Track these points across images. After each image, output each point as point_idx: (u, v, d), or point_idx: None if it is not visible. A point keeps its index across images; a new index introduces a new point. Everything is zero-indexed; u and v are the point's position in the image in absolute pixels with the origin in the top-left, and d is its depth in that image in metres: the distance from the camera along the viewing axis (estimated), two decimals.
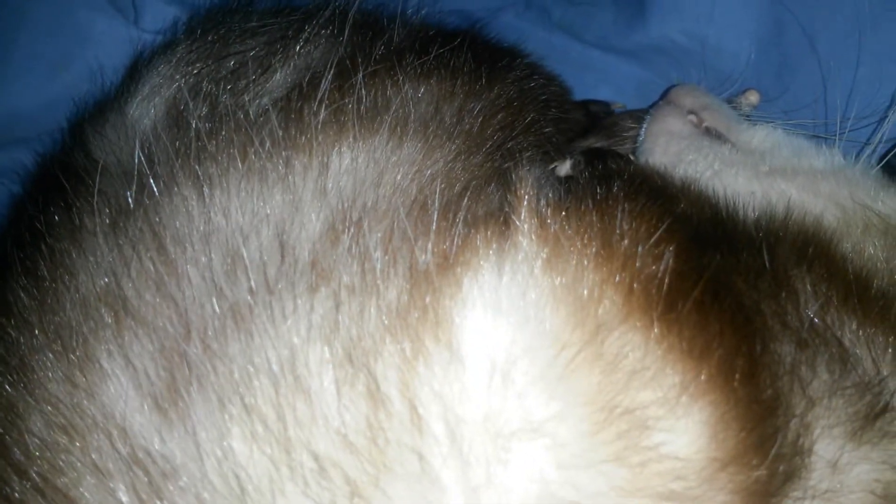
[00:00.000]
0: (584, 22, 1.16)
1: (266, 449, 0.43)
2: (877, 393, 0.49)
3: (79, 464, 0.45)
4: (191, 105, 0.64)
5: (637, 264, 0.48)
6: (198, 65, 0.78)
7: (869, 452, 0.47)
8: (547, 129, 0.87)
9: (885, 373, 0.52)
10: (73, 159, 0.73)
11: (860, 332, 0.53)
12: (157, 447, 0.44)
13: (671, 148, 0.85)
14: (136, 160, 0.59)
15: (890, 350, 0.53)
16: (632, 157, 0.92)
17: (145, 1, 1.03)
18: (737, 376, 0.44)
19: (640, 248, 0.49)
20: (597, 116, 1.08)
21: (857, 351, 0.52)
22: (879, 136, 0.80)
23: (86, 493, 0.44)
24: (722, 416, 0.43)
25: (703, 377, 0.44)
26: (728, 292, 0.50)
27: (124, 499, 0.43)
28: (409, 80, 0.72)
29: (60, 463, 0.46)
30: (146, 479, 0.43)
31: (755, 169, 0.77)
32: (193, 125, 0.61)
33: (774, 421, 0.44)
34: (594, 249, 0.48)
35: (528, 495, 0.43)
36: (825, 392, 0.47)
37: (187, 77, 0.76)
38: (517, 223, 0.51)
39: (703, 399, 0.43)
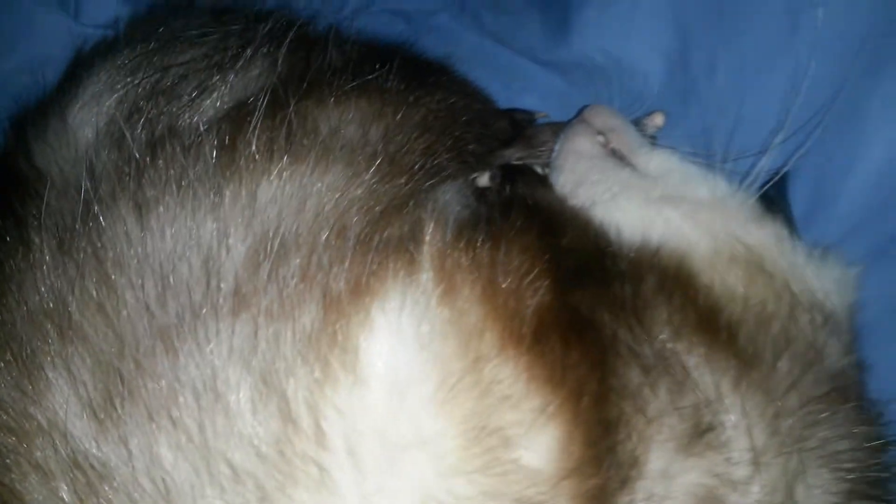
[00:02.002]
0: (513, 31, 1.22)
1: (189, 457, 0.51)
2: (709, 412, 0.59)
3: (25, 463, 0.52)
4: (129, 132, 0.68)
5: (514, 301, 0.56)
6: (139, 74, 0.82)
7: (696, 463, 0.57)
8: (470, 146, 0.94)
9: (723, 393, 0.62)
10: (16, 164, 0.77)
11: (706, 357, 0.63)
12: (94, 451, 0.52)
13: (578, 167, 0.93)
14: (83, 185, 0.64)
15: (731, 373, 0.63)
16: (545, 172, 1.01)
17: None
18: (585, 401, 0.53)
19: (519, 285, 0.58)
20: (520, 125, 1.15)
21: (701, 375, 0.61)
22: (759, 167, 0.89)
23: (32, 491, 0.51)
24: (570, 434, 0.53)
25: (557, 401, 0.53)
26: (591, 325, 0.59)
27: (66, 497, 0.51)
28: (339, 104, 0.77)
29: (8, 461, 0.53)
30: (84, 480, 0.51)
31: (647, 194, 0.85)
32: (133, 151, 0.66)
33: (615, 437, 0.54)
34: (480, 287, 0.57)
35: (412, 499, 0.52)
36: (662, 411, 0.57)
37: (127, 88, 0.80)
38: (419, 260, 0.59)
39: (556, 419, 0.53)
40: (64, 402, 0.54)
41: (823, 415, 0.64)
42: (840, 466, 0.63)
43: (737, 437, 0.59)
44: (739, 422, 0.60)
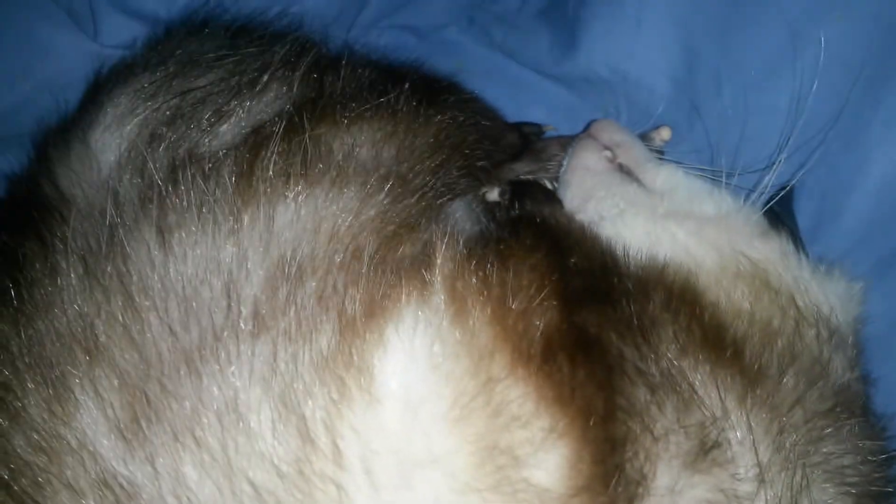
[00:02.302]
0: (522, 45, 1.24)
1: (212, 475, 0.53)
2: (714, 429, 0.61)
3: (56, 482, 0.55)
4: (151, 158, 0.71)
5: (523, 323, 0.58)
6: (158, 99, 0.84)
7: (702, 479, 0.59)
8: (480, 163, 0.96)
9: (729, 410, 0.63)
10: (41, 187, 0.80)
11: (712, 375, 0.64)
12: (122, 471, 0.54)
13: (585, 183, 0.94)
14: (108, 210, 0.67)
15: (736, 389, 0.65)
16: (554, 186, 1.03)
17: (104, 15, 1.07)
18: (593, 420, 0.55)
19: (527, 306, 0.60)
20: (529, 138, 1.17)
21: (706, 392, 0.63)
22: (765, 183, 0.91)
23: None
24: (579, 453, 0.55)
25: (566, 421, 0.55)
26: (598, 344, 0.61)
27: None
28: (352, 127, 0.79)
29: (40, 480, 0.55)
30: (113, 499, 0.53)
31: (653, 210, 0.87)
32: (155, 177, 0.69)
33: (622, 455, 0.56)
34: (490, 309, 0.59)
35: None
36: (669, 429, 0.59)
37: (147, 112, 0.82)
38: (431, 282, 0.61)
39: (565, 438, 0.55)
40: (92, 422, 0.56)
41: (828, 430, 0.65)
42: (844, 481, 0.64)
43: (742, 453, 0.61)
44: (745, 438, 0.61)
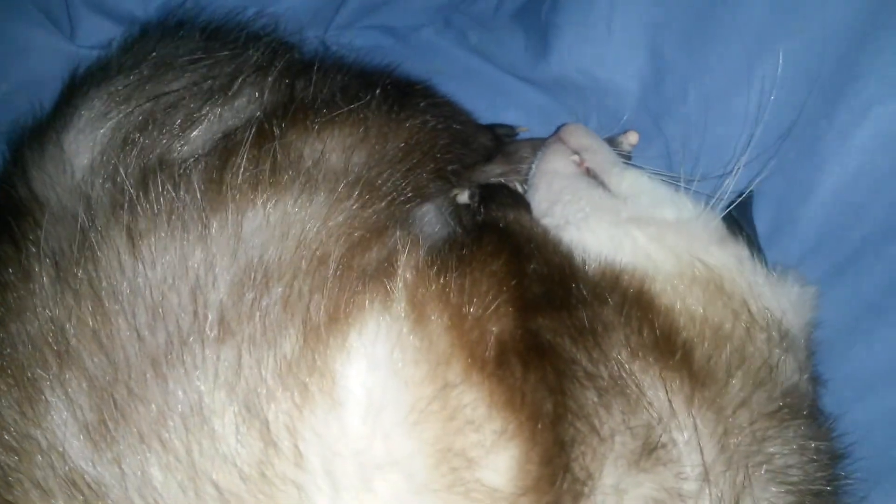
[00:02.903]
0: (497, 48, 1.26)
1: (177, 477, 0.55)
2: (660, 429, 0.63)
3: (27, 481, 0.57)
4: (122, 163, 0.72)
5: (478, 329, 0.61)
6: (131, 103, 0.86)
7: (646, 478, 0.62)
8: (451, 167, 0.98)
9: (676, 411, 0.66)
10: (15, 190, 0.81)
11: (660, 377, 0.67)
12: (90, 471, 0.56)
13: (553, 186, 0.97)
14: (79, 215, 0.69)
15: (684, 391, 0.68)
16: (524, 189, 1.05)
17: (80, 15, 1.08)
18: (541, 423, 0.58)
19: (483, 312, 0.62)
20: (501, 140, 1.19)
21: (654, 393, 0.66)
22: (724, 188, 0.94)
23: None
24: (527, 454, 0.57)
25: (516, 424, 0.58)
26: (550, 350, 0.63)
27: None
28: (322, 133, 0.81)
29: (10, 479, 0.57)
30: (81, 498, 0.55)
31: (617, 215, 0.89)
32: (126, 183, 0.70)
33: (569, 455, 0.58)
34: (448, 316, 0.62)
35: None
36: (615, 430, 0.62)
37: (120, 116, 0.84)
38: (393, 290, 0.63)
39: (515, 440, 0.58)
40: (62, 424, 0.58)
41: (772, 431, 0.68)
42: (787, 480, 0.67)
43: (687, 452, 0.63)
44: (690, 438, 0.64)
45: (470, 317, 0.62)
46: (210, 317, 0.61)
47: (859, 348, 0.86)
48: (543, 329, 0.64)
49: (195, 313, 0.61)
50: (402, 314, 0.62)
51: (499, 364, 0.60)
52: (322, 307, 0.63)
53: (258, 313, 0.61)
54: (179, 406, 0.57)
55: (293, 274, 0.65)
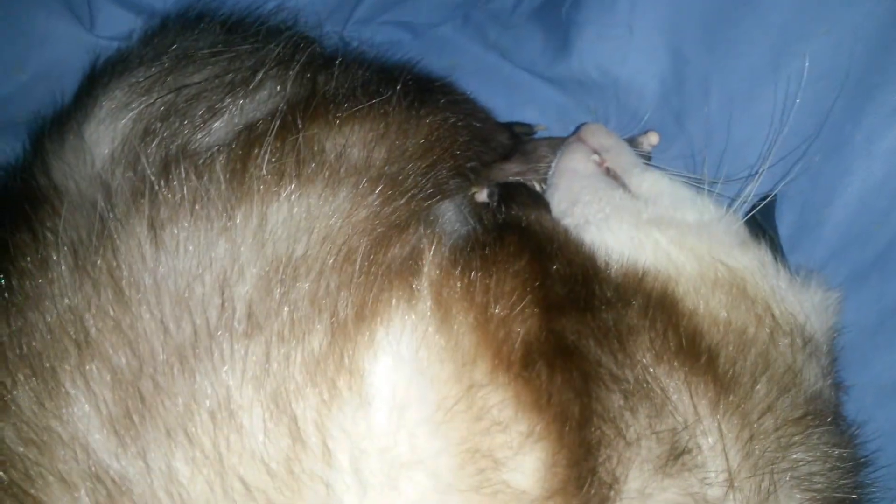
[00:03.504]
0: (516, 46, 1.26)
1: (204, 472, 0.55)
2: (686, 434, 0.63)
3: (48, 475, 0.56)
4: (143, 152, 0.72)
5: (504, 329, 0.60)
6: (153, 94, 0.85)
7: (672, 483, 0.61)
8: (470, 164, 0.97)
9: (701, 416, 0.66)
10: (34, 179, 0.80)
11: (685, 382, 0.66)
12: (114, 465, 0.56)
13: (573, 186, 0.96)
14: (98, 203, 0.68)
15: (709, 396, 0.67)
16: (543, 188, 1.05)
17: (100, 6, 1.08)
18: (569, 425, 0.58)
19: (509, 313, 0.62)
20: (520, 138, 1.18)
21: (679, 398, 0.65)
22: (748, 191, 0.93)
23: (55, 501, 0.55)
24: (555, 456, 0.57)
25: (543, 425, 0.57)
26: (576, 351, 0.63)
27: None
28: (344, 127, 0.80)
29: (31, 472, 0.57)
30: (105, 492, 0.55)
31: (638, 216, 0.89)
32: (147, 171, 0.69)
33: (596, 459, 0.58)
34: (473, 316, 0.61)
35: None
36: (641, 434, 0.61)
37: (141, 107, 0.83)
38: (418, 289, 0.63)
39: (542, 442, 0.57)
40: (84, 416, 0.57)
41: (797, 437, 0.68)
42: (812, 487, 0.66)
43: (713, 458, 0.63)
44: (716, 444, 0.64)
45: (495, 317, 0.61)
46: (238, 310, 0.60)
47: (882, 354, 0.85)
48: (568, 331, 0.63)
49: (222, 306, 0.60)
50: (428, 313, 0.62)
51: (525, 365, 0.59)
52: (349, 304, 0.62)
53: (286, 308, 0.61)
54: (207, 401, 0.56)
55: (320, 269, 0.65)
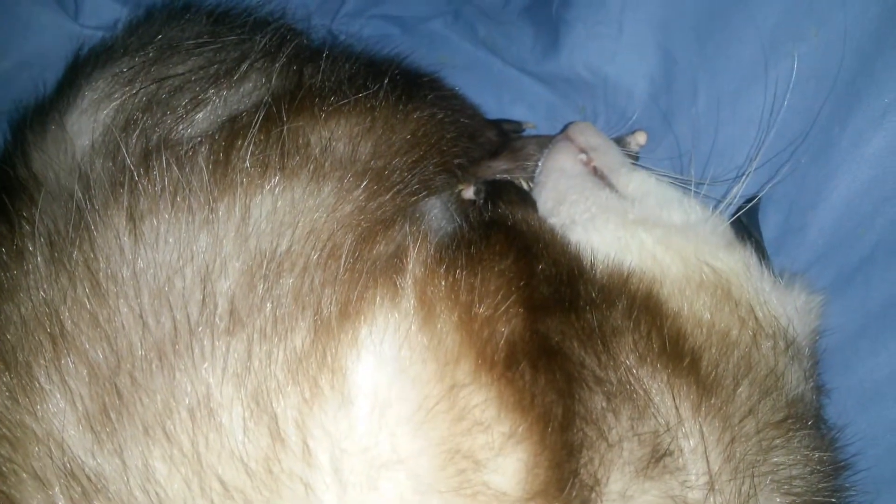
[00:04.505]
0: (506, 43, 1.25)
1: (182, 471, 0.54)
2: (667, 437, 0.63)
3: (21, 472, 0.55)
4: (124, 143, 0.71)
5: (488, 329, 0.60)
6: (136, 84, 0.84)
7: (653, 485, 0.61)
8: (457, 160, 0.97)
9: (683, 418, 0.65)
10: (14, 169, 0.79)
11: (668, 384, 0.66)
12: (89, 462, 0.55)
13: (560, 185, 0.96)
14: (76, 194, 0.67)
15: (691, 399, 0.67)
16: (530, 186, 1.04)
17: None
18: (551, 427, 0.57)
19: (493, 313, 0.61)
20: (508, 135, 1.18)
21: (662, 400, 0.65)
22: (733, 193, 0.93)
23: (28, 499, 0.54)
24: (536, 458, 0.56)
25: (525, 426, 0.57)
26: (560, 353, 0.62)
27: None
28: (330, 121, 0.79)
29: (4, 469, 0.56)
30: (80, 490, 0.54)
31: (624, 216, 0.89)
32: (127, 162, 0.68)
33: (578, 461, 0.58)
34: (457, 315, 0.60)
35: None
36: (624, 437, 0.61)
37: (124, 97, 0.82)
38: (402, 287, 0.62)
39: (524, 444, 0.57)
40: (60, 412, 0.56)
41: (778, 440, 0.68)
42: (791, 490, 0.67)
43: (694, 461, 0.63)
44: (697, 446, 0.63)
45: (480, 316, 0.61)
46: (220, 306, 0.59)
47: (864, 358, 0.85)
48: (552, 331, 0.63)
49: (204, 301, 0.60)
50: (412, 311, 0.61)
51: (508, 365, 0.59)
52: (334, 301, 0.61)
53: (269, 304, 0.60)
54: (186, 398, 0.55)
55: (304, 265, 0.64)
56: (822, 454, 0.70)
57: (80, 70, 0.88)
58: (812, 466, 0.69)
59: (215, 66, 0.86)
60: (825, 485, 0.69)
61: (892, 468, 0.80)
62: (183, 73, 0.85)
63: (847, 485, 0.73)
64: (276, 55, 0.87)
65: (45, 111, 0.85)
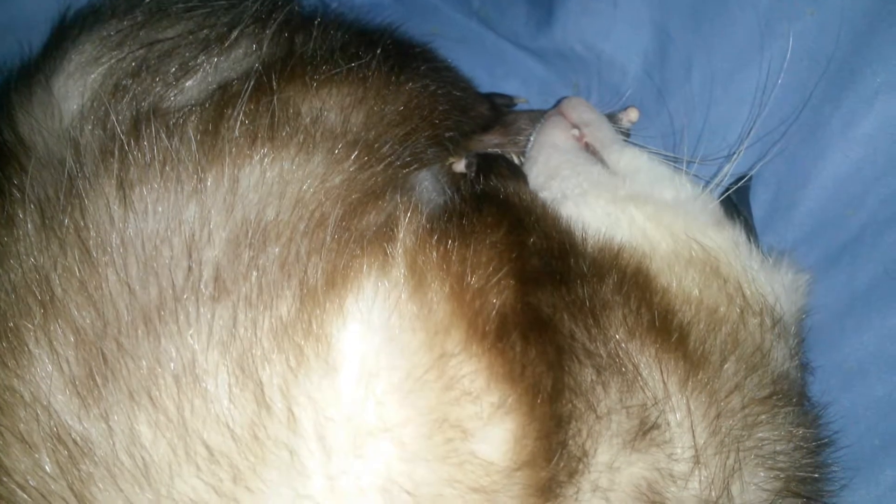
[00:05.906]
0: (499, 16, 1.24)
1: (167, 436, 0.54)
2: (655, 410, 0.63)
3: (9, 435, 0.55)
4: (113, 110, 0.70)
5: (479, 300, 0.60)
6: (124, 49, 0.83)
7: (639, 457, 0.62)
8: (448, 133, 0.96)
9: (670, 392, 0.66)
10: (1, 134, 0.78)
11: (656, 358, 0.67)
12: (76, 426, 0.55)
13: (551, 160, 0.96)
14: (67, 161, 0.66)
15: (679, 373, 0.68)
16: (521, 161, 1.04)
17: None
18: (541, 398, 0.57)
19: (485, 284, 0.61)
20: (500, 110, 1.17)
21: (650, 374, 0.65)
22: (724, 171, 0.93)
23: (15, 461, 0.54)
24: (525, 428, 0.57)
25: (515, 397, 0.57)
26: (550, 325, 0.63)
27: (48, 468, 0.53)
28: (321, 91, 0.79)
29: None
30: (66, 453, 0.54)
31: (614, 192, 0.89)
32: (117, 130, 0.67)
33: (566, 432, 0.58)
34: (449, 285, 0.60)
35: (375, 481, 0.55)
36: (612, 409, 0.61)
37: (112, 61, 0.81)
38: (393, 255, 0.62)
39: (513, 414, 0.57)
40: (47, 377, 0.56)
41: (763, 416, 0.69)
42: (775, 465, 0.67)
43: (680, 434, 0.63)
44: (683, 420, 0.64)
45: (471, 287, 0.61)
46: (205, 274, 0.59)
47: (849, 337, 0.86)
48: (543, 304, 0.63)
49: (189, 269, 0.59)
50: (402, 280, 0.61)
51: (499, 336, 0.59)
52: (320, 270, 0.61)
53: (254, 273, 0.60)
54: (172, 364, 0.55)
55: (290, 234, 0.64)
56: (805, 430, 0.71)
57: (66, 32, 0.87)
58: (796, 442, 0.70)
59: (205, 31, 0.85)
60: (808, 461, 0.70)
61: (871, 445, 0.81)
62: (172, 38, 0.84)
63: (829, 461, 0.74)
64: (267, 21, 0.86)
65: (30, 74, 0.83)
